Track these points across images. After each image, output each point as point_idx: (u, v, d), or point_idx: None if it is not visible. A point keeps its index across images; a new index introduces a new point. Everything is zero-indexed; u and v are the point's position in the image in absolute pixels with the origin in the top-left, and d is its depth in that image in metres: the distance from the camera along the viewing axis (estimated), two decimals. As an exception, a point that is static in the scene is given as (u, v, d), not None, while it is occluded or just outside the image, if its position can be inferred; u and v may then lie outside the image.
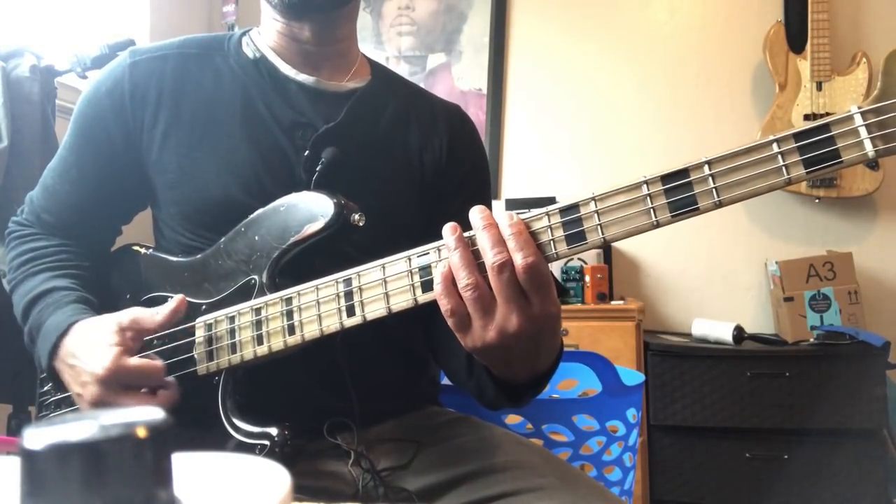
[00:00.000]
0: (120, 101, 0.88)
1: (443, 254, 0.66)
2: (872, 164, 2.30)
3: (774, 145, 0.58)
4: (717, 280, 2.45)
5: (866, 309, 2.16)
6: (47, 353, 0.80)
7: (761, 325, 2.36)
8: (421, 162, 0.95)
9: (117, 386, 0.73)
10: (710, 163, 0.59)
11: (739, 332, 2.13)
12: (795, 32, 2.30)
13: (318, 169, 0.85)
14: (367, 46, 2.72)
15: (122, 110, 0.88)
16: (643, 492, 2.03)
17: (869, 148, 0.55)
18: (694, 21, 2.52)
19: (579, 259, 2.30)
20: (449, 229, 0.65)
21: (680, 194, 0.60)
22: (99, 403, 0.74)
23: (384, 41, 2.75)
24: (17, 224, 0.97)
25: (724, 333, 2.13)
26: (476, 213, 0.64)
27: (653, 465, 2.07)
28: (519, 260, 0.61)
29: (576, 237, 0.63)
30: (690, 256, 2.46)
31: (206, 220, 0.86)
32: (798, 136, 0.57)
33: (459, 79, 2.67)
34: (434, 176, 0.95)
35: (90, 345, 0.76)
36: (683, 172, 0.60)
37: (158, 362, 0.76)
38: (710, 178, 0.59)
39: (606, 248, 2.40)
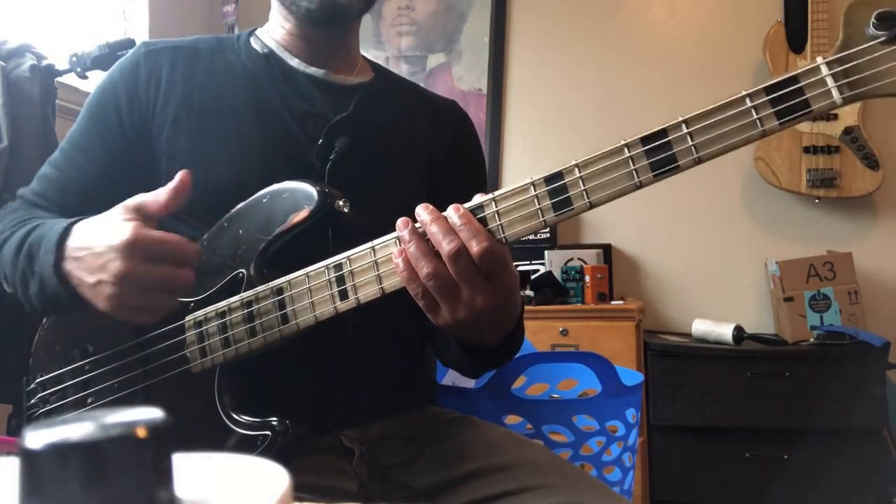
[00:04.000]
0: (133, 85, 0.89)
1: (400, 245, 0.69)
2: (872, 165, 2.29)
3: (747, 100, 0.61)
4: (717, 280, 2.45)
5: (866, 309, 2.16)
6: (52, 251, 0.75)
7: (761, 325, 2.36)
8: (430, 152, 0.98)
9: (141, 257, 0.69)
10: (686, 121, 0.62)
11: (739, 332, 2.13)
12: (795, 32, 2.30)
13: (331, 157, 0.86)
14: (366, 46, 2.72)
15: (135, 94, 0.89)
16: (643, 492, 2.03)
17: (836, 95, 0.58)
18: (694, 21, 2.52)
19: (579, 259, 2.30)
20: (401, 223, 0.68)
21: (660, 153, 0.62)
22: (123, 278, 0.69)
23: (384, 41, 2.75)
24: (7, 205, 0.94)
25: (724, 333, 2.13)
26: (421, 209, 0.68)
27: (653, 465, 2.07)
28: (474, 246, 0.64)
29: (562, 204, 0.66)
30: (690, 256, 2.46)
31: (215, 206, 0.85)
32: (769, 88, 0.60)
33: (459, 79, 2.67)
34: (441, 165, 0.98)
35: (100, 229, 0.72)
36: (662, 133, 0.63)
37: (178, 237, 0.72)
38: (688, 136, 0.62)
39: (606, 249, 2.40)
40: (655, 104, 2.50)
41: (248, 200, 0.80)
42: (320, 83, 0.93)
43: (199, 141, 0.87)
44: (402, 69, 2.69)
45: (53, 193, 0.92)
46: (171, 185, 0.72)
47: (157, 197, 0.72)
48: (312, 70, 0.93)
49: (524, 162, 2.60)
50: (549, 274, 2.20)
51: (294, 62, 0.94)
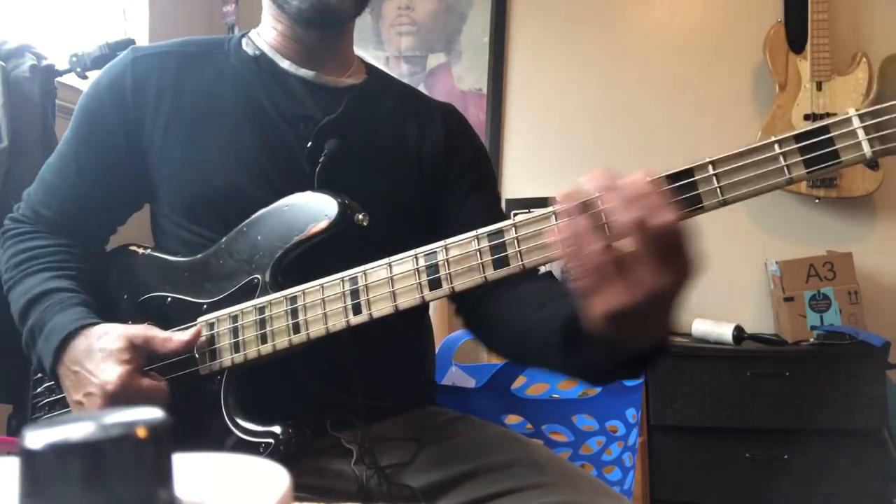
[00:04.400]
0: (121, 94, 0.89)
1: (542, 224, 0.64)
2: (872, 164, 2.29)
3: (776, 146, 0.59)
4: (717, 280, 2.44)
5: (866, 309, 2.16)
6: (52, 353, 0.79)
7: (761, 325, 2.36)
8: (419, 152, 0.96)
9: (122, 402, 0.74)
10: (713, 163, 0.61)
11: (739, 332, 2.12)
12: (795, 32, 2.30)
13: (321, 160, 0.86)
14: (366, 46, 2.72)
15: (123, 103, 0.89)
16: (643, 492, 2.03)
17: (867, 149, 0.58)
18: (694, 21, 2.52)
19: (579, 259, 2.30)
20: (562, 195, 0.61)
21: (684, 193, 0.61)
22: None
23: (384, 41, 2.75)
24: (13, 221, 0.96)
25: (724, 333, 2.13)
26: (595, 176, 0.61)
27: (653, 465, 2.07)
28: (661, 218, 0.57)
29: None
30: (690, 256, 2.46)
31: (210, 210, 0.86)
32: (799, 137, 0.59)
33: (459, 79, 2.67)
34: (433, 166, 0.96)
35: (100, 355, 0.76)
36: (688, 172, 0.61)
37: (164, 385, 0.77)
38: (714, 178, 0.61)
39: (606, 248, 2.40)
40: (655, 104, 2.50)
41: (268, 207, 0.81)
42: (311, 85, 0.93)
43: (191, 146, 0.87)
44: (402, 69, 2.68)
45: (54, 202, 0.93)
46: (184, 339, 0.77)
47: (165, 343, 0.77)
48: (303, 72, 0.93)
49: (524, 162, 2.59)
50: (549, 274, 2.20)
51: (285, 64, 0.93)
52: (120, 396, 0.73)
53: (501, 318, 0.85)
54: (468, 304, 0.89)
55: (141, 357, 0.77)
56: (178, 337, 0.77)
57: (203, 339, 0.79)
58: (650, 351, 0.67)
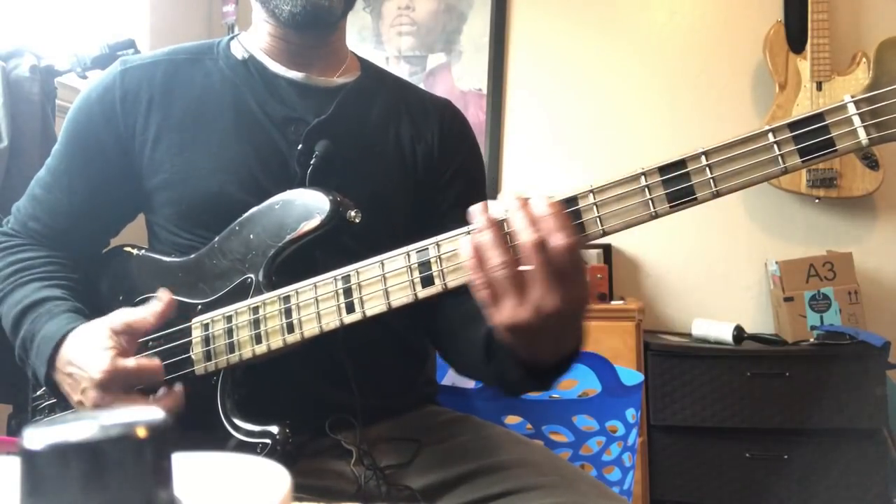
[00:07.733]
0: (111, 106, 0.89)
1: (457, 240, 0.66)
2: (872, 165, 2.29)
3: (770, 135, 0.58)
4: (717, 280, 2.44)
5: (866, 309, 2.16)
6: (45, 363, 0.78)
7: (761, 325, 2.36)
8: (413, 152, 0.95)
9: (116, 389, 0.73)
10: (706, 153, 0.60)
11: (739, 332, 2.13)
12: (795, 32, 2.30)
13: (311, 162, 0.85)
14: (367, 46, 2.72)
15: (112, 116, 0.89)
16: (643, 492, 2.03)
17: (863, 136, 0.56)
18: (694, 21, 2.52)
19: (579, 259, 2.30)
20: (478, 210, 0.64)
21: (677, 185, 0.60)
22: (98, 408, 0.73)
23: (384, 41, 2.75)
24: (2, 235, 0.94)
25: (724, 333, 2.13)
26: (510, 196, 0.63)
27: (653, 465, 2.07)
28: (560, 240, 0.59)
29: (574, 229, 0.62)
30: (690, 256, 2.46)
31: (201, 217, 0.86)
32: (793, 125, 0.58)
33: (459, 79, 2.67)
34: (425, 167, 0.96)
35: (86, 351, 0.75)
36: (681, 163, 0.61)
37: (156, 361, 0.76)
38: (708, 169, 0.60)
39: (606, 249, 2.40)
40: (655, 104, 2.50)
41: (260, 206, 0.81)
42: (301, 87, 0.92)
43: (180, 155, 0.87)
44: (402, 69, 2.68)
45: (45, 216, 0.92)
46: (157, 309, 0.76)
47: (143, 319, 0.76)
48: (293, 74, 0.92)
49: (524, 162, 2.59)
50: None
51: (274, 66, 0.92)
52: (110, 383, 0.72)
53: (450, 330, 0.88)
54: (428, 317, 0.92)
55: (126, 341, 0.75)
56: (152, 310, 0.76)
57: (171, 303, 0.77)
58: (555, 365, 0.70)
